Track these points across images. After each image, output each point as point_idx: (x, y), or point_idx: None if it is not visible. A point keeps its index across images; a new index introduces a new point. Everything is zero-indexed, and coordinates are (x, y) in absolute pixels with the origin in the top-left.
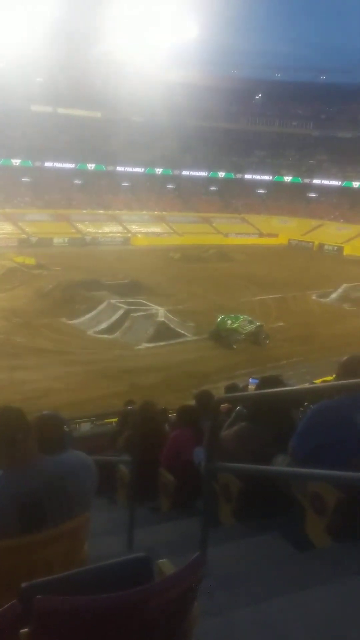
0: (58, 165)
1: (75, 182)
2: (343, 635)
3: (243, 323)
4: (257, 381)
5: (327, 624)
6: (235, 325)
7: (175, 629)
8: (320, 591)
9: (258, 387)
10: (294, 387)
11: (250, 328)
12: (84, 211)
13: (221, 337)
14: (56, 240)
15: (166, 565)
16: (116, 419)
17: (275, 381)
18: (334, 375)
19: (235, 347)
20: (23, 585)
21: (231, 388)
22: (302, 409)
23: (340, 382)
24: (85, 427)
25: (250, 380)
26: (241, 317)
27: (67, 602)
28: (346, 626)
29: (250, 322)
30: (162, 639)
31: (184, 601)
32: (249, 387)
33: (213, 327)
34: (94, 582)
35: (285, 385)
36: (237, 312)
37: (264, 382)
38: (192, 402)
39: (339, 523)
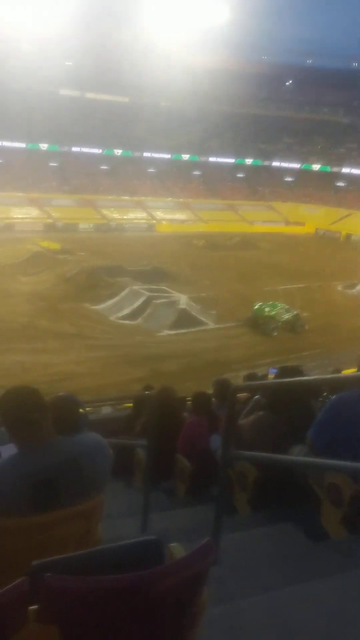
0: (85, 150)
1: (101, 167)
2: (355, 626)
3: (280, 311)
4: (276, 371)
5: (339, 614)
6: (273, 313)
7: (183, 613)
8: (333, 582)
9: (277, 376)
10: (312, 377)
11: (287, 316)
12: (110, 197)
13: (258, 324)
14: (81, 225)
15: (177, 549)
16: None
17: (295, 371)
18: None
19: (275, 334)
20: (34, 562)
21: (250, 377)
22: (320, 399)
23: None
24: (106, 410)
25: (270, 369)
26: (278, 305)
27: (76, 581)
28: (357, 619)
29: (287, 311)
30: (170, 623)
31: (193, 586)
32: (269, 376)
33: (250, 314)
34: (104, 563)
35: (304, 376)
36: (266, 301)
37: (283, 372)
38: (210, 390)
39: (355, 515)
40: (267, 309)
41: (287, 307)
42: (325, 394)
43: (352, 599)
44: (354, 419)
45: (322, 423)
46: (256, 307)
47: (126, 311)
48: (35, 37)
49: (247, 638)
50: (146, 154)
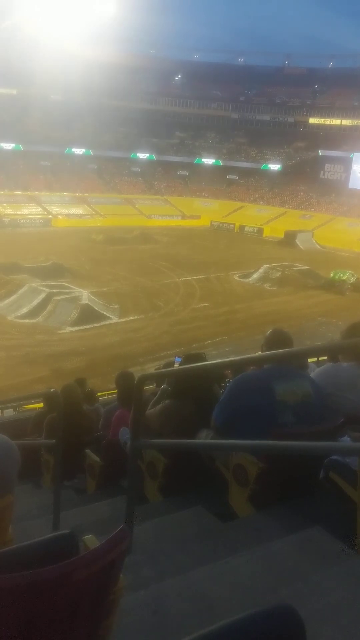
0: None
1: None
2: (265, 598)
3: (349, 276)
4: (180, 359)
5: (251, 588)
6: (345, 277)
7: (101, 601)
8: (243, 558)
9: (181, 364)
10: (215, 361)
11: (353, 279)
12: (1, 192)
13: (334, 286)
14: None
15: (91, 541)
16: (39, 405)
17: (199, 358)
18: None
19: (347, 293)
20: None
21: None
22: (223, 384)
23: (259, 354)
24: (8, 413)
25: (175, 358)
26: (347, 271)
27: None
28: (268, 589)
29: (352, 275)
30: (89, 612)
31: (110, 573)
32: (175, 365)
33: (326, 279)
34: (19, 561)
35: (206, 361)
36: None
37: (187, 359)
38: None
39: (260, 492)
40: (340, 275)
41: (352, 272)
42: (227, 379)
43: (261, 570)
44: (255, 393)
45: (223, 400)
46: (332, 274)
47: (25, 310)
48: None
49: (172, 619)
50: (38, 148)
